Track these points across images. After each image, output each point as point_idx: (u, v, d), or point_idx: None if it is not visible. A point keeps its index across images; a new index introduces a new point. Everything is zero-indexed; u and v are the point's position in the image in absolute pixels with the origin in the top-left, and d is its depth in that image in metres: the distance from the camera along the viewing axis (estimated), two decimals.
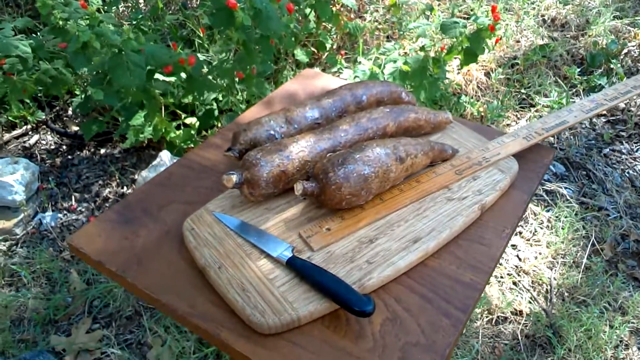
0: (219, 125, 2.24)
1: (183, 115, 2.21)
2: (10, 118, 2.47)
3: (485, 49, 2.00)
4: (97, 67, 1.69)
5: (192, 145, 2.16)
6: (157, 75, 2.02)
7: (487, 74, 2.65)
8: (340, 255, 0.70)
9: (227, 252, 0.71)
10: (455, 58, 2.26)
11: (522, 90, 2.55)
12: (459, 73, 2.57)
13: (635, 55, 2.77)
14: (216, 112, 2.24)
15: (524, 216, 1.83)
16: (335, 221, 0.74)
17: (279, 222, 0.75)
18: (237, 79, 1.97)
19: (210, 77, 2.04)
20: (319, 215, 0.76)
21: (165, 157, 2.05)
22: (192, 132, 2.18)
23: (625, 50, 2.79)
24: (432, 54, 2.13)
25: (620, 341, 1.62)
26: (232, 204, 0.78)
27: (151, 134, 2.13)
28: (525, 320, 1.67)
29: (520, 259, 1.88)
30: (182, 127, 2.19)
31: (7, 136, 2.44)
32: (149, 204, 0.81)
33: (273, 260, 0.70)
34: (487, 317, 1.69)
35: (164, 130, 2.11)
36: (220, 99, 2.20)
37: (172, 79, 2.04)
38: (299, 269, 0.67)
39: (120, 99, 1.95)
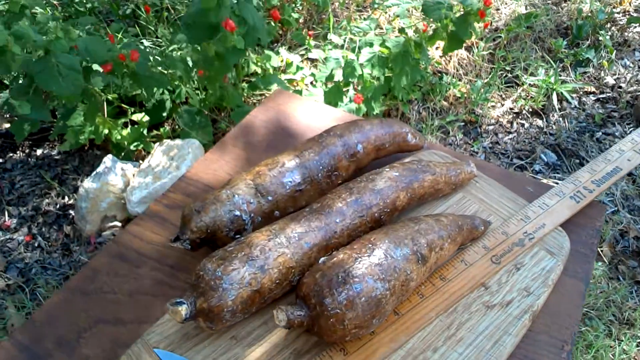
0: (174, 118, 1.95)
1: (130, 111, 1.91)
2: None
3: (473, 34, 1.76)
4: (19, 69, 1.37)
5: (142, 147, 1.87)
6: (96, 66, 1.71)
7: (469, 49, 2.41)
8: None
9: None
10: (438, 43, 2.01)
11: (507, 68, 2.34)
12: (437, 49, 2.33)
13: (623, 23, 2.58)
14: (168, 104, 1.95)
15: None
16: (335, 358, 0.52)
17: None
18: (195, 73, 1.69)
19: (159, 68, 1.74)
20: (309, 348, 0.53)
21: (111, 163, 1.76)
22: (142, 129, 1.88)
23: (612, 19, 2.59)
24: (411, 34, 1.88)
25: None
26: (184, 332, 0.54)
27: (93, 135, 1.83)
28: None
29: None
30: (129, 125, 1.90)
31: None
32: (64, 327, 0.57)
33: None
34: None
35: (107, 130, 1.81)
36: (170, 91, 1.90)
37: None
38: None
39: (52, 102, 1.64)
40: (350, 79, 1.77)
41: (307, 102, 0.86)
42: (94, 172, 1.75)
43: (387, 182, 0.60)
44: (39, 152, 2.10)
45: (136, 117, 1.91)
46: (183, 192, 0.71)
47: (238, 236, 0.59)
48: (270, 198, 0.61)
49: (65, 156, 2.07)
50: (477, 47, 2.33)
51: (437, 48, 2.30)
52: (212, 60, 1.44)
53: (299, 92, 2.00)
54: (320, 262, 0.52)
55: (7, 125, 2.16)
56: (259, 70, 2.06)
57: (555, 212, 0.65)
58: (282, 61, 2.16)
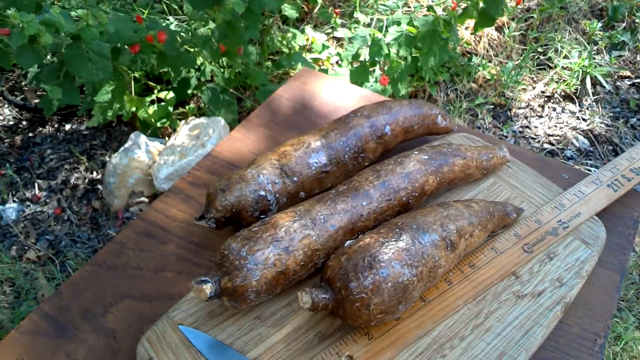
0: (199, 95, 1.95)
1: (156, 89, 1.92)
2: None
3: (505, 12, 1.70)
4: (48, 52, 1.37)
5: (168, 124, 1.88)
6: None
7: (499, 29, 2.34)
8: None
9: None
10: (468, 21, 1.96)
11: (539, 49, 2.27)
12: (467, 29, 2.27)
13: None
14: (194, 82, 1.95)
15: None
16: (360, 342, 0.51)
17: (277, 343, 0.52)
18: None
19: (186, 46, 1.73)
20: (333, 331, 0.53)
21: (137, 140, 1.77)
22: (168, 107, 1.89)
23: None
24: (440, 12, 1.83)
25: None
26: (209, 310, 0.54)
27: (120, 112, 1.84)
28: None
29: None
30: (155, 103, 1.90)
31: None
32: (90, 300, 0.57)
33: None
34: None
35: (134, 108, 1.83)
36: (196, 69, 1.89)
37: None
38: None
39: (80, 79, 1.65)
40: (376, 59, 1.73)
41: (334, 81, 0.84)
42: (122, 148, 1.77)
43: (415, 166, 0.59)
44: (67, 127, 2.13)
45: (162, 94, 1.92)
46: (208, 170, 0.70)
47: (263, 216, 0.58)
48: (295, 179, 0.60)
49: (94, 132, 2.09)
50: (508, 28, 2.26)
51: (466, 28, 2.24)
52: (225, 31, 1.42)
53: (325, 72, 1.97)
54: (346, 245, 0.51)
55: (37, 100, 2.19)
56: (284, 49, 2.04)
57: (591, 201, 0.63)
58: (307, 40, 2.13)
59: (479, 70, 2.11)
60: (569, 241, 0.59)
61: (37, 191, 1.90)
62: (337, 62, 2.14)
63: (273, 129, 0.76)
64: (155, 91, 1.93)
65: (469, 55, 2.17)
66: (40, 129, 2.14)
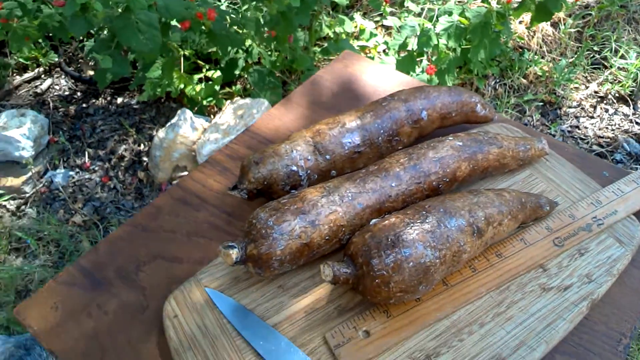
0: (246, 77, 1.98)
1: (205, 68, 1.96)
2: (21, 59, 2.26)
3: (563, 7, 1.65)
4: (101, 24, 1.42)
5: (214, 103, 1.92)
6: (174, 22, 1.76)
7: (555, 25, 2.27)
8: None
9: None
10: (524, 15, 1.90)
11: (595, 48, 2.18)
12: (521, 22, 2.20)
13: None
14: (241, 63, 1.98)
15: None
16: (378, 319, 0.52)
17: (297, 312, 0.53)
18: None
19: (235, 27, 1.76)
20: (353, 306, 0.54)
21: (184, 116, 1.82)
22: (215, 86, 1.93)
23: None
24: (494, 4, 1.78)
25: None
26: (235, 275, 0.56)
27: (169, 88, 1.90)
28: None
29: None
30: (203, 81, 1.94)
31: (17, 80, 2.24)
32: (124, 259, 0.60)
33: None
34: None
35: (183, 85, 1.87)
36: (246, 49, 1.92)
37: None
38: None
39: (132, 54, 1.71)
40: (424, 49, 1.71)
41: (376, 65, 0.84)
42: (169, 124, 1.82)
43: (449, 151, 0.58)
44: (119, 100, 2.20)
45: (210, 73, 1.96)
46: (245, 144, 0.72)
47: (293, 191, 0.60)
48: (328, 157, 0.61)
49: (144, 106, 2.16)
50: (564, 24, 2.19)
51: (520, 22, 2.18)
52: (277, 19, 1.44)
53: (372, 59, 1.96)
54: (371, 223, 0.52)
55: (92, 73, 2.28)
56: (332, 35, 2.04)
57: (630, 200, 0.61)
58: (355, 27, 2.13)
59: (530, 66, 2.05)
60: (602, 238, 0.58)
61: (86, 159, 1.98)
62: (384, 51, 2.13)
63: (311, 108, 0.77)
64: (204, 70, 1.97)
65: (521, 50, 2.11)
66: (94, 100, 2.23)
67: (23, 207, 1.86)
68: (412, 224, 0.50)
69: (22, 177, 1.85)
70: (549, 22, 2.23)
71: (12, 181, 1.85)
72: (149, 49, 1.36)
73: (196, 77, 1.91)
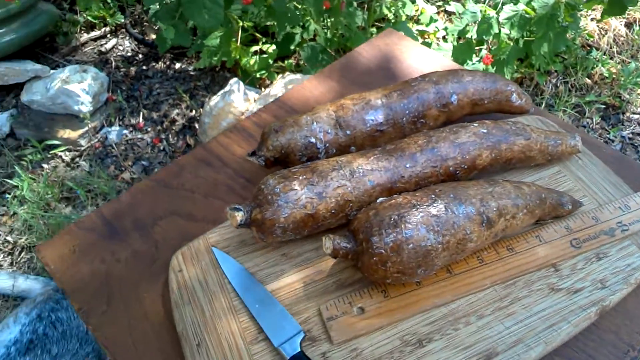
0: (300, 53, 1.98)
1: (261, 41, 1.97)
2: (89, 18, 2.35)
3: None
4: None
5: (266, 76, 1.94)
6: None
7: (629, 26, 2.14)
8: (370, 359, 0.48)
9: (216, 321, 0.51)
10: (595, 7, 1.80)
11: None
12: (593, 20, 2.09)
13: None
14: (297, 38, 1.98)
15: None
16: (375, 298, 0.51)
17: (297, 281, 0.54)
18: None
19: (294, 3, 1.76)
20: (352, 282, 0.53)
21: (236, 87, 1.85)
22: (269, 60, 1.94)
23: None
24: None
25: None
26: (242, 239, 0.57)
27: (225, 57, 1.93)
28: None
29: None
30: (258, 54, 1.96)
31: (84, 37, 2.33)
32: (143, 211, 0.62)
33: (272, 349, 0.49)
34: None
35: (238, 56, 1.90)
36: (302, 26, 1.92)
37: None
38: None
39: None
40: (484, 37, 1.65)
41: (418, 47, 0.82)
42: (221, 92, 1.86)
43: (471, 137, 0.57)
44: (177, 65, 2.26)
45: (266, 47, 1.97)
46: (273, 113, 0.73)
47: (309, 162, 0.60)
48: (348, 132, 0.61)
49: (199, 73, 2.21)
50: (639, 25, 2.06)
51: (592, 19, 2.07)
52: None
53: (428, 45, 1.92)
54: (378, 201, 0.52)
55: (154, 37, 2.34)
56: (391, 17, 2.00)
57: None
58: (417, 10, 2.08)
59: (596, 66, 1.95)
60: (625, 245, 0.55)
61: (141, 120, 2.05)
62: (443, 38, 2.07)
63: (344, 84, 0.77)
64: (260, 43, 1.99)
65: (588, 48, 2.01)
66: (154, 64, 2.29)
67: (77, 159, 1.96)
68: (418, 206, 0.49)
69: (79, 130, 1.94)
70: (622, 22, 2.10)
71: (69, 134, 1.94)
72: (210, 25, 1.40)
73: (252, 49, 1.93)
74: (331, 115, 0.61)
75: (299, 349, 0.48)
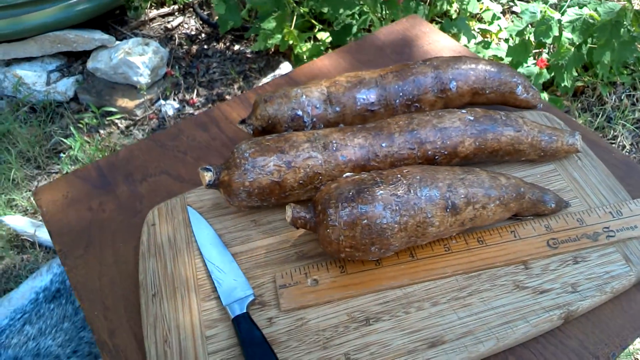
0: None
1: (317, 28, 1.99)
2: None
3: None
4: None
5: None
6: None
7: None
8: (313, 330, 0.48)
9: (175, 275, 0.52)
10: None
11: None
12: None
13: None
14: (354, 29, 1.98)
15: None
16: (331, 272, 0.51)
17: (260, 248, 0.54)
18: None
19: None
20: (314, 255, 0.53)
21: (286, 71, 1.87)
22: (322, 48, 1.95)
23: None
24: (636, 4, 1.59)
25: None
26: (217, 202, 0.58)
27: (279, 42, 1.96)
28: None
29: None
30: (312, 40, 1.98)
31: (153, 12, 2.44)
32: (136, 167, 0.65)
33: (222, 308, 0.50)
34: None
35: (292, 41, 1.92)
36: (358, 16, 1.91)
37: None
38: (242, 336, 0.46)
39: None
40: (542, 38, 1.58)
41: (440, 34, 0.80)
42: (270, 75, 1.89)
43: (455, 123, 0.55)
44: (236, 47, 2.31)
45: (321, 35, 1.98)
46: (276, 85, 0.73)
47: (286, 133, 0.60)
48: (338, 109, 0.60)
49: (255, 56, 2.25)
50: None
51: None
52: None
53: (487, 45, 1.86)
54: (344, 175, 0.51)
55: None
56: (453, 13, 1.96)
57: None
58: (481, 9, 2.01)
59: None
60: (608, 251, 0.52)
61: (194, 96, 2.12)
62: (505, 39, 2.00)
63: (355, 65, 0.76)
64: (315, 30, 2.00)
65: None
66: (214, 44, 2.36)
67: (131, 128, 2.05)
68: (380, 184, 0.48)
69: (135, 101, 2.03)
70: None
71: (126, 103, 2.04)
72: (263, 2, 1.42)
73: (306, 35, 1.95)
74: (323, 90, 0.61)
75: (244, 310, 0.48)
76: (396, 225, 0.47)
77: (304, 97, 0.60)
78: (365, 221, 0.47)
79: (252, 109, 0.62)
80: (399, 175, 0.49)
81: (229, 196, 0.53)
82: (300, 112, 0.60)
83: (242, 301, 0.49)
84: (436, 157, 0.55)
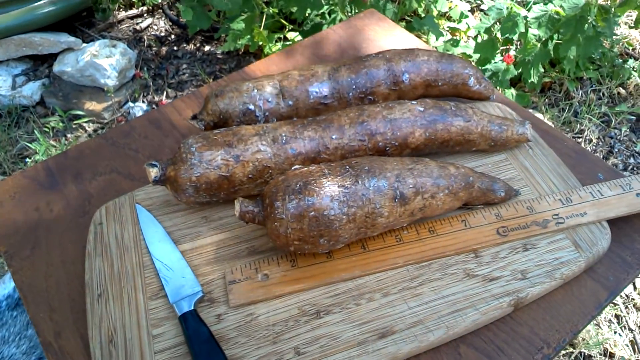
0: None
1: (287, 28, 1.98)
2: None
3: None
4: None
5: None
6: None
7: None
8: (263, 325, 0.47)
9: (122, 274, 0.51)
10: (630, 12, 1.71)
11: None
12: (632, 28, 1.98)
13: None
14: (324, 28, 1.97)
15: None
16: (282, 266, 0.51)
17: (210, 244, 0.53)
18: None
19: None
20: (265, 250, 0.53)
21: None
22: None
23: None
24: None
25: None
26: (167, 199, 0.57)
27: (249, 42, 1.94)
28: None
29: (635, 288, 1.47)
30: (282, 40, 1.97)
31: (122, 14, 2.40)
32: (86, 166, 0.64)
33: (169, 306, 0.49)
34: (566, 350, 1.36)
35: (261, 42, 1.91)
36: (328, 15, 1.91)
37: None
38: (188, 333, 0.45)
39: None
40: (508, 35, 1.60)
41: (396, 29, 0.80)
42: None
43: (405, 114, 0.55)
44: (206, 48, 2.29)
45: (290, 35, 1.98)
46: (231, 81, 0.72)
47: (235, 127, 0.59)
48: (290, 103, 0.60)
49: (226, 57, 2.23)
50: None
51: (631, 27, 1.96)
52: None
53: (456, 43, 1.87)
54: (293, 168, 0.51)
55: None
56: (421, 12, 1.97)
57: (608, 205, 0.53)
58: (450, 8, 2.03)
59: (632, 76, 1.85)
60: (557, 238, 0.52)
61: (164, 98, 2.10)
62: (475, 37, 2.02)
63: (313, 60, 0.76)
64: (285, 30, 1.99)
65: (626, 57, 1.91)
66: (184, 45, 2.34)
67: (99, 131, 2.02)
68: (328, 175, 0.48)
69: (103, 103, 2.00)
70: None
71: (94, 106, 2.01)
72: (227, 8, 1.41)
73: (276, 36, 1.94)
74: (275, 84, 0.60)
75: (192, 307, 0.47)
76: (344, 217, 0.47)
77: (256, 90, 0.59)
78: (313, 213, 0.46)
79: (204, 104, 0.61)
80: (347, 167, 0.49)
81: (176, 192, 0.52)
82: (252, 107, 0.59)
83: (190, 298, 0.48)
84: (387, 149, 0.55)
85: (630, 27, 1.92)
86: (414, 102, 0.56)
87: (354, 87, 0.61)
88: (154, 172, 0.52)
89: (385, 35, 0.79)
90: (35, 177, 0.63)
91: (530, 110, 1.72)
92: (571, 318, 0.50)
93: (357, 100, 0.61)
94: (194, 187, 0.51)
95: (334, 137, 0.54)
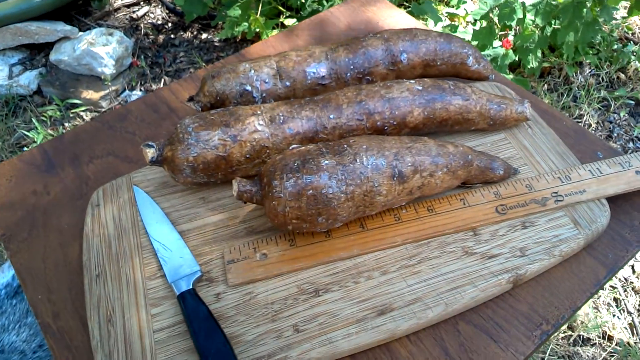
0: None
1: (285, 14, 1.97)
2: None
3: None
4: None
5: None
6: None
7: None
8: (262, 304, 0.47)
9: (119, 255, 0.51)
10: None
11: None
12: (625, 18, 1.97)
13: None
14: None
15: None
16: (280, 245, 0.50)
17: (208, 225, 0.53)
18: None
19: None
20: (263, 230, 0.53)
21: None
22: None
23: None
24: None
25: None
26: (164, 180, 0.57)
27: (246, 29, 1.93)
28: (613, 350, 1.32)
29: (634, 271, 1.47)
30: (279, 27, 1.96)
31: (118, 2, 2.39)
32: (83, 149, 0.63)
33: (168, 286, 0.49)
34: (564, 332, 1.37)
35: (257, 28, 1.89)
36: (325, 1, 1.90)
37: None
38: (187, 312, 0.45)
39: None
40: (506, 21, 1.59)
41: (395, 10, 0.79)
42: None
43: (403, 93, 0.54)
44: (203, 35, 2.28)
45: (288, 21, 1.96)
46: (228, 63, 0.72)
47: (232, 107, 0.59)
48: (288, 83, 0.59)
49: (224, 44, 2.22)
50: None
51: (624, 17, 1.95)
52: None
53: (455, 28, 1.86)
54: (291, 147, 0.50)
55: None
56: None
57: (606, 182, 0.53)
58: None
59: (631, 60, 1.84)
60: (556, 216, 0.52)
61: (161, 86, 2.08)
62: (474, 22, 2.01)
63: (310, 42, 0.75)
64: (282, 17, 1.98)
65: (626, 42, 1.90)
66: (182, 33, 2.32)
67: None
68: (326, 154, 0.47)
69: (101, 92, 1.99)
70: None
71: (91, 94, 2.00)
72: None
73: (273, 22, 1.92)
74: (272, 65, 0.60)
75: (190, 287, 0.47)
76: (342, 195, 0.47)
77: (253, 71, 0.59)
78: (311, 191, 0.46)
79: (200, 86, 0.61)
80: (345, 145, 0.49)
81: (173, 172, 0.52)
82: (249, 88, 0.58)
83: (189, 278, 0.48)
84: (385, 128, 0.55)
85: (623, 18, 1.91)
86: (412, 81, 0.56)
87: (351, 67, 0.60)
88: (150, 153, 0.51)
89: (384, 16, 0.79)
90: (32, 161, 0.62)
91: None
92: (570, 295, 0.50)
93: (355, 81, 0.61)
94: (192, 168, 0.51)
95: (331, 116, 0.53)
